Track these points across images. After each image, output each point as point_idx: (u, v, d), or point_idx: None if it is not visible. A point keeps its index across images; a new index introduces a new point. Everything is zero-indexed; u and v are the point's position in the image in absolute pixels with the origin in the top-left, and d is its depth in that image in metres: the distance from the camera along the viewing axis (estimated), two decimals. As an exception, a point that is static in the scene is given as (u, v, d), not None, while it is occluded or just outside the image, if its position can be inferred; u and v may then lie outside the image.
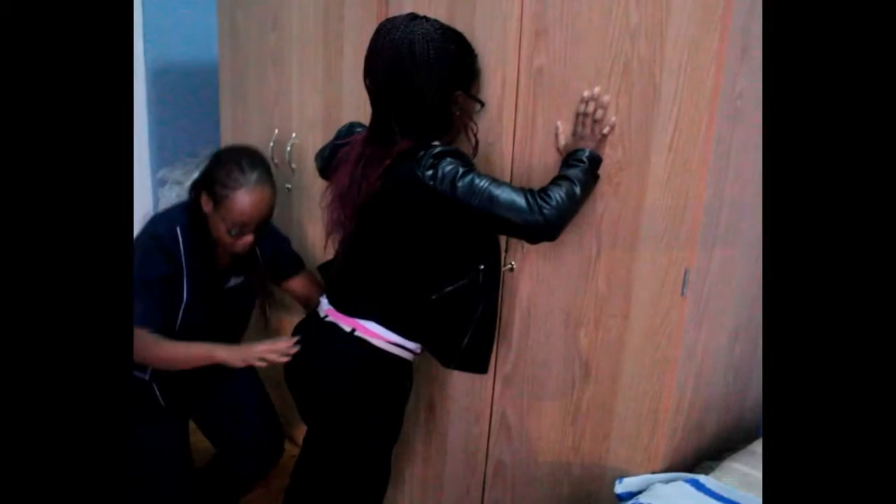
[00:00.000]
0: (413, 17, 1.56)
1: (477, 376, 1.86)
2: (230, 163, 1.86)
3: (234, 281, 2.08)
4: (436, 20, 1.58)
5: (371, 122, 1.63)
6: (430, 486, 2.13)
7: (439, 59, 1.53)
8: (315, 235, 2.34)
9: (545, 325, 1.70)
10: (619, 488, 1.51)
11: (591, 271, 1.58)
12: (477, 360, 1.78)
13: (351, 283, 1.74)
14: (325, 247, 1.79)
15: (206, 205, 1.88)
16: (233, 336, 2.18)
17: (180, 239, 1.91)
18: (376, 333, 1.67)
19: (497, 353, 1.81)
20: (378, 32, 1.56)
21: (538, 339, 1.72)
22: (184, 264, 1.91)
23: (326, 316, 1.73)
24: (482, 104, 1.69)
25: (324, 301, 1.78)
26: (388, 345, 1.69)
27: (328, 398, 1.73)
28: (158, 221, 1.95)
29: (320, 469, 1.83)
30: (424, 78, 1.52)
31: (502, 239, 1.73)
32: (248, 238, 1.89)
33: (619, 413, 1.59)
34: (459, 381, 1.95)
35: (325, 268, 1.94)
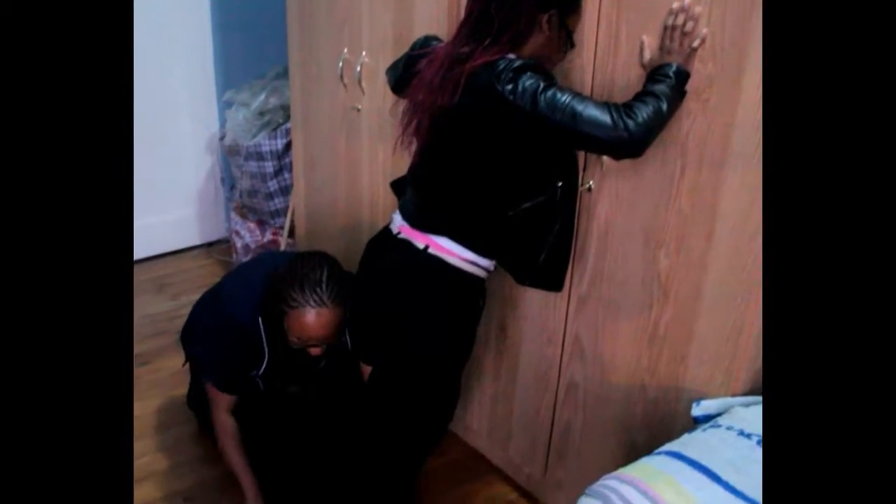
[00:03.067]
0: None
1: (550, 296, 1.85)
2: (293, 280, 1.86)
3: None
4: None
5: (461, 24, 1.59)
6: (500, 405, 2.15)
7: None
8: (385, 155, 2.33)
9: (623, 245, 1.68)
10: (697, 410, 1.50)
11: (674, 191, 1.55)
12: (552, 277, 1.76)
13: (425, 199, 1.73)
14: (394, 155, 1.76)
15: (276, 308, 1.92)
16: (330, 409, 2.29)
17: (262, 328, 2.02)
18: (450, 251, 1.67)
19: (572, 274, 1.80)
20: None
21: (615, 259, 1.70)
22: (265, 350, 2.04)
23: (399, 232, 1.73)
24: (572, 44, 1.62)
25: (396, 217, 1.78)
26: (463, 262, 1.68)
27: (401, 315, 1.74)
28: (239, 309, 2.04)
29: (391, 386, 1.86)
30: None
31: (580, 157, 1.70)
32: (316, 350, 1.94)
33: (698, 335, 1.57)
34: (532, 302, 1.94)
35: (397, 184, 1.93)
